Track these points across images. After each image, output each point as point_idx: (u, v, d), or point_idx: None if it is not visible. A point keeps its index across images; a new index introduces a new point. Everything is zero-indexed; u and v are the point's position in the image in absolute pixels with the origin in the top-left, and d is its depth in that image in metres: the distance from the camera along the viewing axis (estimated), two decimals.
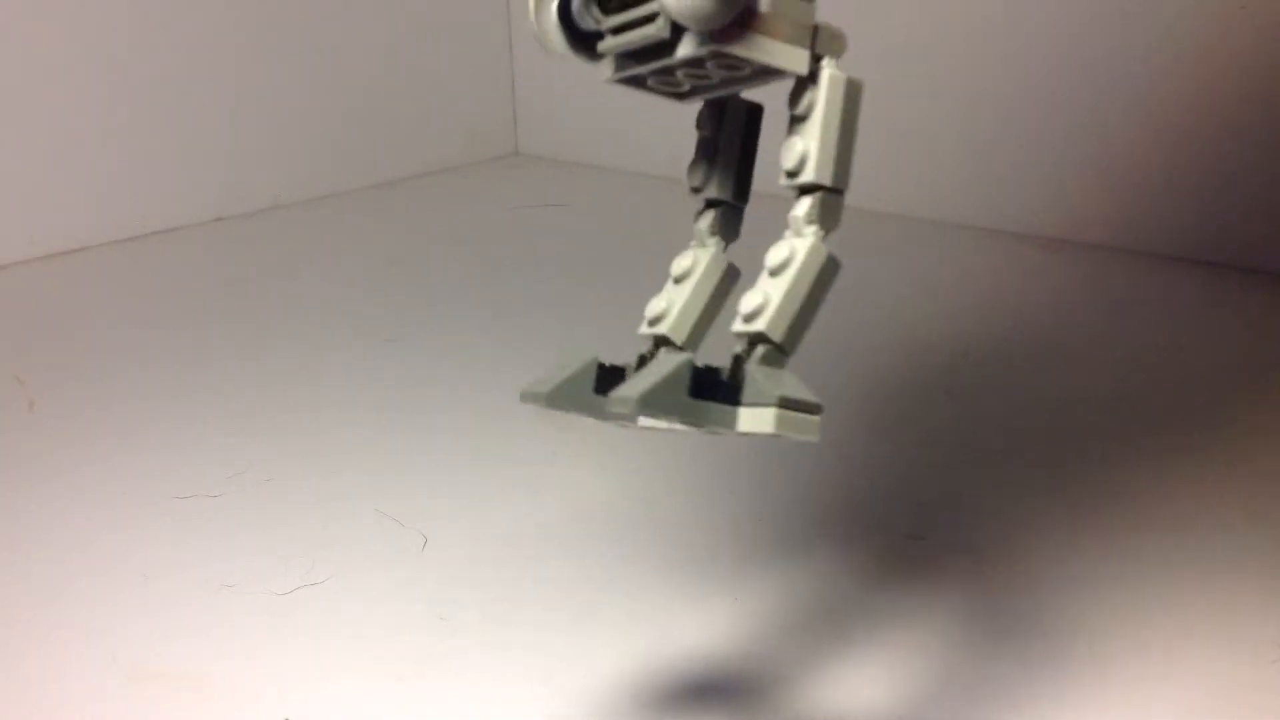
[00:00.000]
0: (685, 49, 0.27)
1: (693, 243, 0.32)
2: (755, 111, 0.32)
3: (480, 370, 0.60)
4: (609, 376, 0.30)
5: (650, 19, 0.27)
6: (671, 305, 0.31)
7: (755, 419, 0.27)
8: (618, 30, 0.29)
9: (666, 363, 0.27)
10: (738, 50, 0.27)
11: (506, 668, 0.37)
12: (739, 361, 0.28)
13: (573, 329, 0.65)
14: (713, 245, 0.32)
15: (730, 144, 0.32)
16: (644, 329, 0.32)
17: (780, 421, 0.26)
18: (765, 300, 0.28)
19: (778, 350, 0.28)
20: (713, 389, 0.27)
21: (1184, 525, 0.45)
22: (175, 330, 0.67)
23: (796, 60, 0.28)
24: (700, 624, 0.39)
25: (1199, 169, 0.75)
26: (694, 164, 0.32)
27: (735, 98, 0.31)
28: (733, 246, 0.32)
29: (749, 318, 0.28)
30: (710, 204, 0.32)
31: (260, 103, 0.91)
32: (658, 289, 0.32)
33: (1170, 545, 0.43)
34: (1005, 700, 0.35)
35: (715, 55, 0.27)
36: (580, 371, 0.29)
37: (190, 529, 0.45)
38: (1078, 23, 0.78)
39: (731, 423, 0.27)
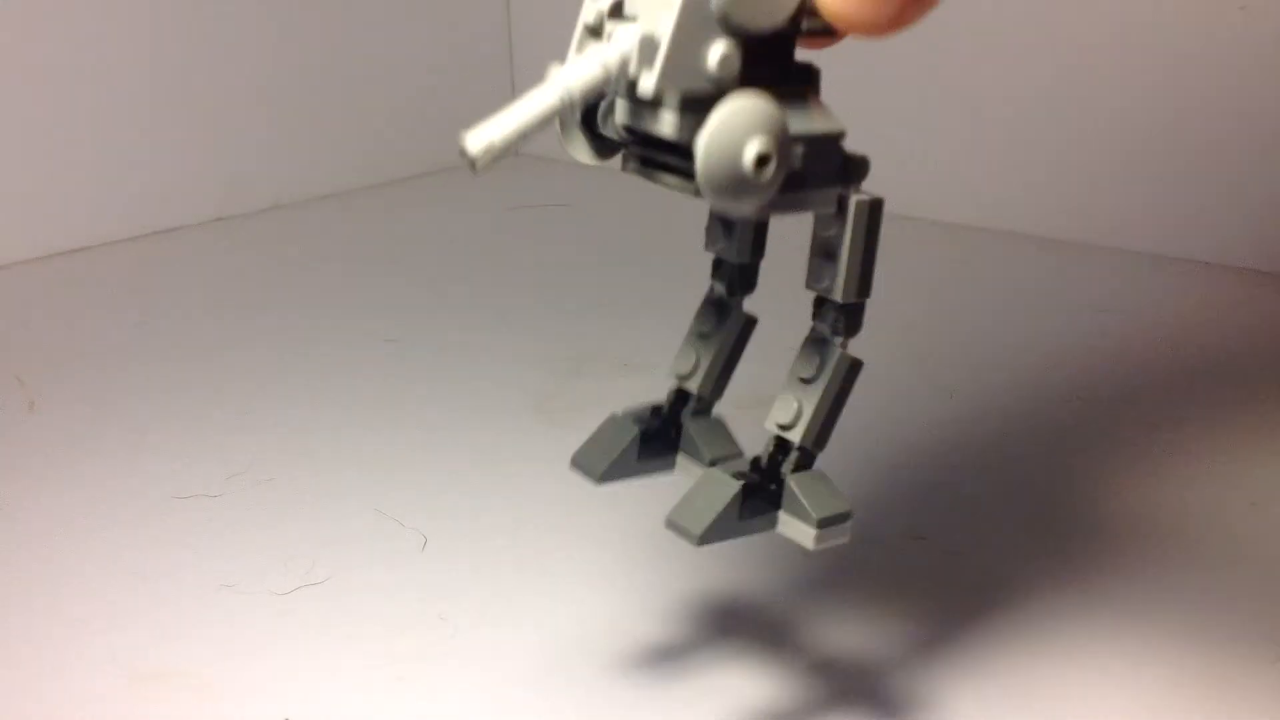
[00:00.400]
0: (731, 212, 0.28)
1: (711, 296, 0.34)
2: None
3: (480, 370, 0.60)
4: (649, 437, 0.34)
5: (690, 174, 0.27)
6: (699, 364, 0.34)
7: (795, 530, 0.30)
8: (650, 162, 0.29)
9: (718, 491, 0.30)
10: (780, 213, 0.28)
11: (506, 668, 0.37)
12: (775, 463, 0.31)
13: (573, 329, 0.65)
14: (733, 303, 0.34)
15: None
16: (672, 382, 0.34)
17: (819, 540, 0.30)
18: (799, 411, 0.31)
19: (809, 454, 0.31)
20: (752, 496, 0.30)
21: (1184, 524, 0.45)
22: (175, 330, 0.67)
23: (828, 201, 0.29)
24: (701, 624, 0.39)
25: (1199, 169, 0.75)
26: (710, 229, 0.33)
27: None
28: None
29: (784, 426, 0.31)
30: (725, 261, 0.34)
31: (260, 102, 0.91)
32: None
33: (1170, 544, 0.43)
34: (1006, 699, 0.35)
35: None
36: (627, 448, 0.34)
37: (190, 529, 0.45)
38: (1077, 24, 0.78)
39: (772, 526, 0.31)
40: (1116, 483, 0.48)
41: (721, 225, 0.33)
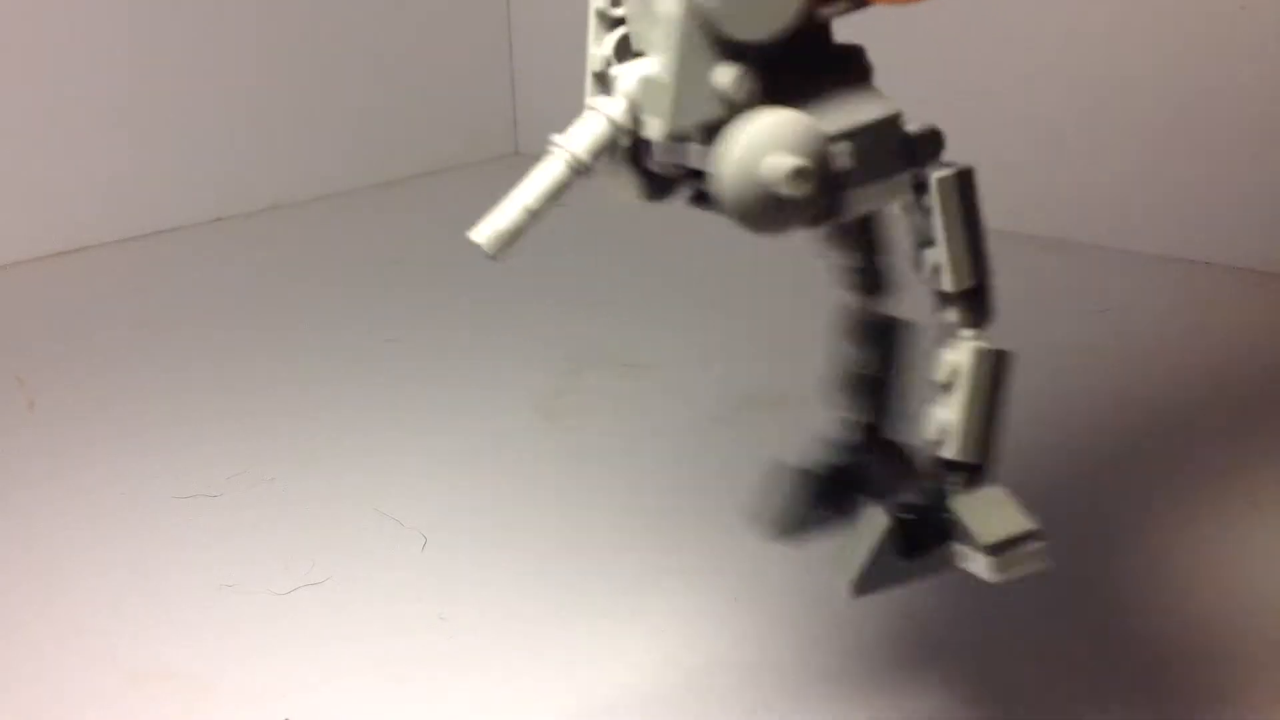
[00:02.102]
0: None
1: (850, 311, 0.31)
2: None
3: (480, 370, 0.60)
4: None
5: None
6: (868, 399, 0.31)
7: (971, 562, 0.26)
8: (703, 194, 0.26)
9: (867, 529, 0.26)
10: (848, 217, 0.26)
11: (506, 668, 0.37)
12: (936, 490, 0.27)
13: (573, 329, 0.65)
14: (876, 307, 0.31)
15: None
16: (846, 424, 0.31)
17: (997, 568, 0.26)
18: (946, 423, 0.27)
19: (974, 470, 0.27)
20: (920, 534, 0.26)
21: (1185, 524, 0.45)
22: (175, 330, 0.67)
23: (900, 188, 0.27)
24: (701, 624, 0.39)
25: (1199, 169, 0.75)
26: (831, 248, 0.30)
27: None
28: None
29: (935, 443, 0.27)
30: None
31: (260, 102, 0.91)
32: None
33: (1171, 543, 0.43)
34: (1008, 699, 0.35)
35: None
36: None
37: (190, 529, 0.45)
38: (1077, 24, 0.78)
39: (950, 562, 0.27)
40: (1116, 482, 0.48)
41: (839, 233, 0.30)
